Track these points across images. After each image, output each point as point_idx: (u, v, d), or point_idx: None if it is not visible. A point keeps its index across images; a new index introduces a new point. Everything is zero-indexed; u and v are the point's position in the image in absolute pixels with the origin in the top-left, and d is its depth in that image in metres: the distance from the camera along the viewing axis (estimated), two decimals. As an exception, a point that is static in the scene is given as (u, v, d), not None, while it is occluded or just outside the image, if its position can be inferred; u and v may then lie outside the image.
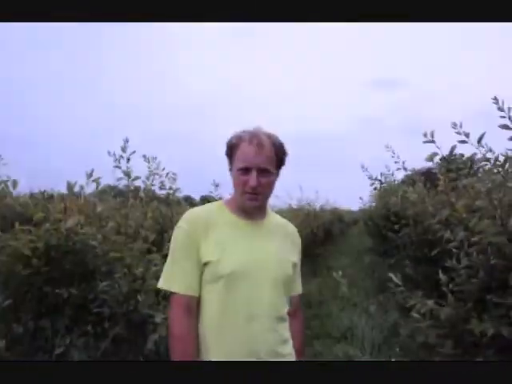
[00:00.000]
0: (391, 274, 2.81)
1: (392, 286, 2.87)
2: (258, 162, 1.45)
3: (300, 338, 1.67)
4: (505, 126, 2.29)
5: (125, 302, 2.41)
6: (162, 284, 1.49)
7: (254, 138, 1.47)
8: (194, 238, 1.46)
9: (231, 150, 1.51)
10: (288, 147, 1.57)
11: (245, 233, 1.52)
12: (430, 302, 2.58)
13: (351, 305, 6.02)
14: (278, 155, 1.52)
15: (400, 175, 6.36)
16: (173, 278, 1.47)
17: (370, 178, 6.90)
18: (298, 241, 1.71)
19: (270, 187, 1.53)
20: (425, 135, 2.74)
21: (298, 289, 1.70)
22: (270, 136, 1.50)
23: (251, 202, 1.49)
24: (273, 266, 1.51)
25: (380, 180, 7.04)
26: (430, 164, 3.08)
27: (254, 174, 1.45)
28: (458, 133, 2.48)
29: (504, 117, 2.29)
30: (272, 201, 1.67)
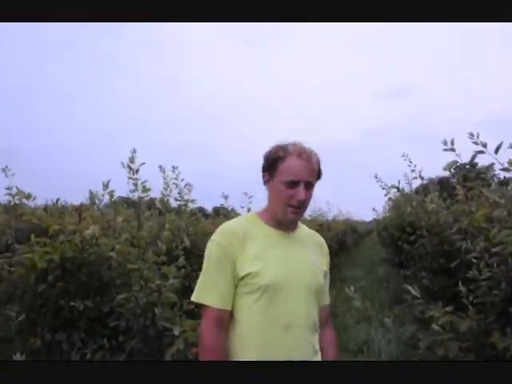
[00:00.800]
0: (409, 287, 2.75)
1: (408, 298, 2.82)
2: (306, 176, 1.48)
3: (334, 346, 1.69)
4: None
5: (142, 316, 2.39)
6: (194, 297, 1.50)
7: (303, 152, 1.49)
8: (230, 251, 1.46)
9: (275, 162, 1.51)
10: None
11: (281, 244, 1.54)
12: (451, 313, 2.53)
13: (366, 317, 5.92)
14: (319, 170, 1.55)
15: (414, 185, 6.29)
16: (206, 291, 1.47)
17: (384, 188, 6.84)
18: (327, 251, 1.74)
19: (310, 200, 1.55)
20: (444, 143, 2.69)
21: (327, 299, 1.73)
22: (311, 151, 1.53)
23: (294, 216, 1.52)
24: (308, 276, 1.53)
25: (393, 193, 7.00)
26: (442, 172, 3.05)
27: (302, 187, 1.47)
28: (476, 143, 2.44)
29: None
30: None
